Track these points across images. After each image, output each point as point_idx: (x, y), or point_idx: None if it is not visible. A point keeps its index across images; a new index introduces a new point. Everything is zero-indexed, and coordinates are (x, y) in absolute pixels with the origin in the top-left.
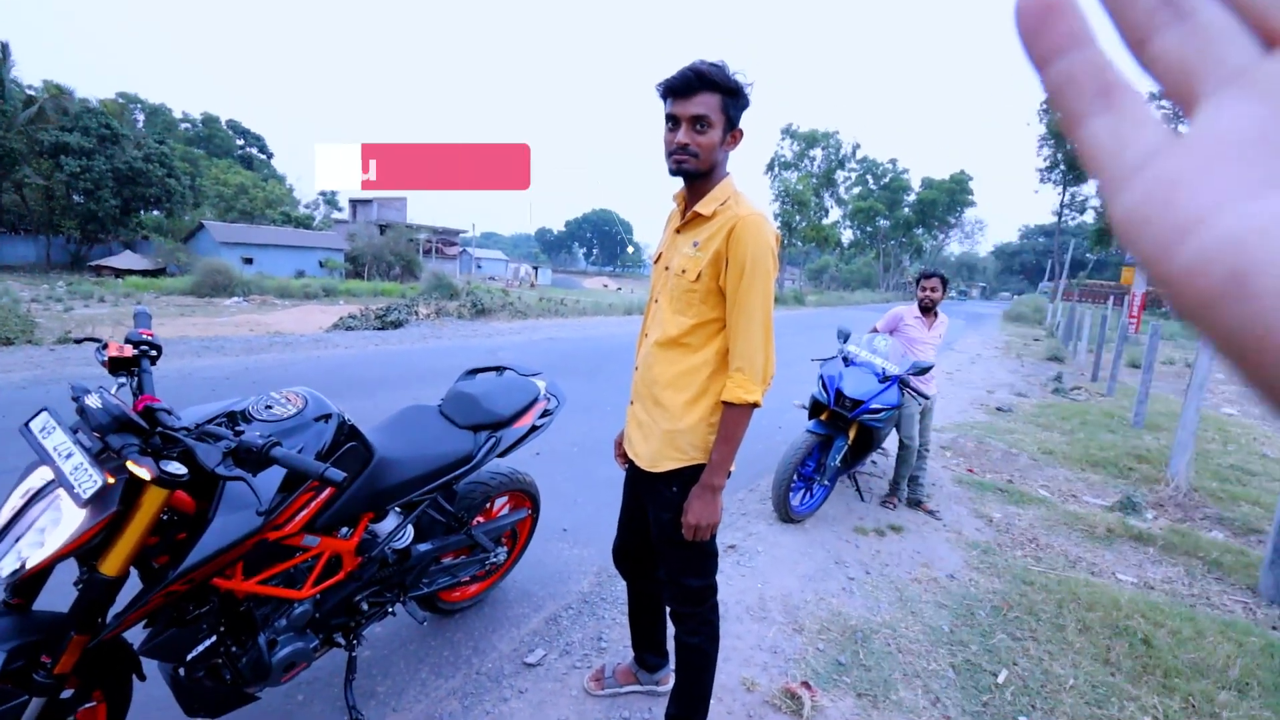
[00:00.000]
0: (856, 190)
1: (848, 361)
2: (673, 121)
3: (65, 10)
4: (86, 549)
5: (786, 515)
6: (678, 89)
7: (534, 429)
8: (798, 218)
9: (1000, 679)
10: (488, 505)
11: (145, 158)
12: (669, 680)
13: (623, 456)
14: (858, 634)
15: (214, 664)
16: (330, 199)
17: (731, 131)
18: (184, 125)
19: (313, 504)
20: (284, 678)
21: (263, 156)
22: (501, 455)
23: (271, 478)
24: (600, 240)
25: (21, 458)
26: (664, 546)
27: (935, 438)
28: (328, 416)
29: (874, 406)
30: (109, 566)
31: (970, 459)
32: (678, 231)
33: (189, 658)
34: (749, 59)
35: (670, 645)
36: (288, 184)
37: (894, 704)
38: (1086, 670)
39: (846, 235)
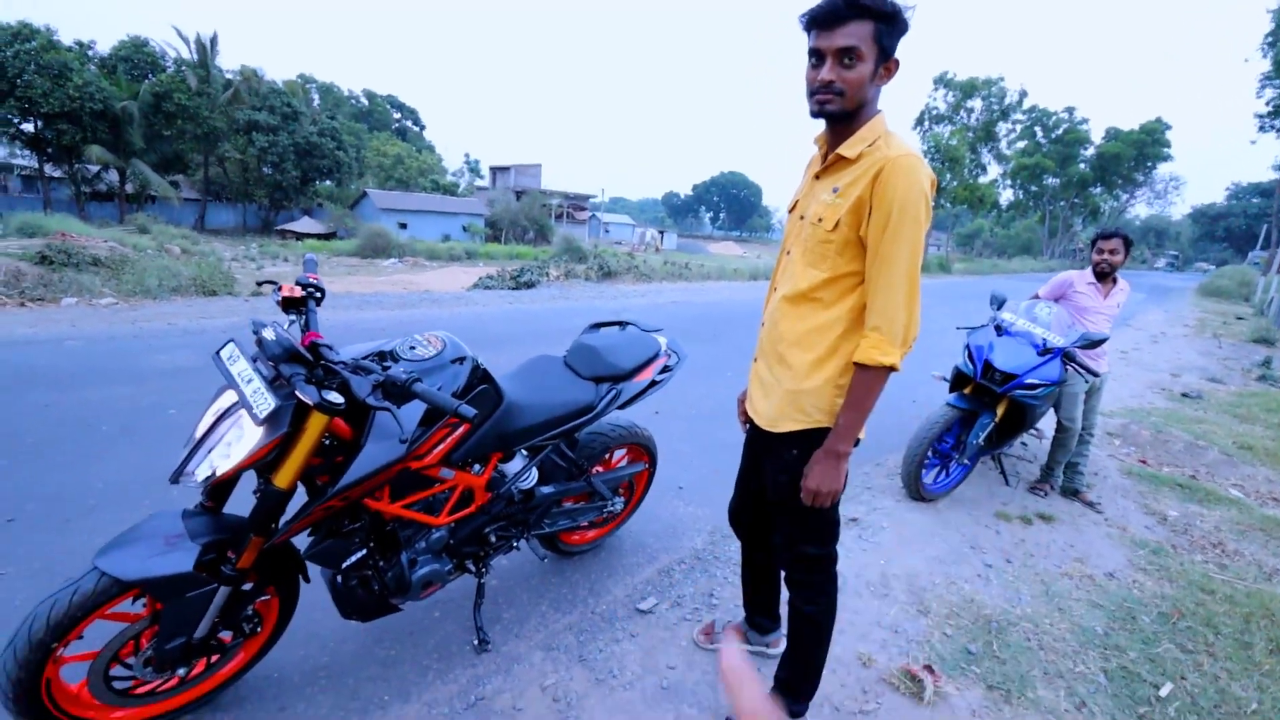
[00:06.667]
0: (1021, 144)
1: (1001, 330)
2: (816, 56)
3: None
4: (263, 463)
5: (917, 493)
6: (822, 19)
7: (653, 384)
8: (949, 176)
9: (1163, 692)
10: (607, 456)
11: (319, 133)
12: (780, 644)
13: (744, 416)
14: (992, 624)
15: (365, 574)
16: (474, 167)
17: (885, 63)
18: (350, 102)
19: (449, 439)
20: (422, 594)
21: (416, 129)
22: (621, 407)
23: (413, 412)
24: (728, 204)
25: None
26: (780, 510)
27: (1102, 422)
28: (463, 359)
29: (1030, 381)
30: (280, 479)
31: (1144, 449)
32: (817, 177)
33: (344, 566)
34: None
35: (784, 610)
36: (437, 153)
37: (1030, 702)
38: (1275, 695)
39: (1006, 195)
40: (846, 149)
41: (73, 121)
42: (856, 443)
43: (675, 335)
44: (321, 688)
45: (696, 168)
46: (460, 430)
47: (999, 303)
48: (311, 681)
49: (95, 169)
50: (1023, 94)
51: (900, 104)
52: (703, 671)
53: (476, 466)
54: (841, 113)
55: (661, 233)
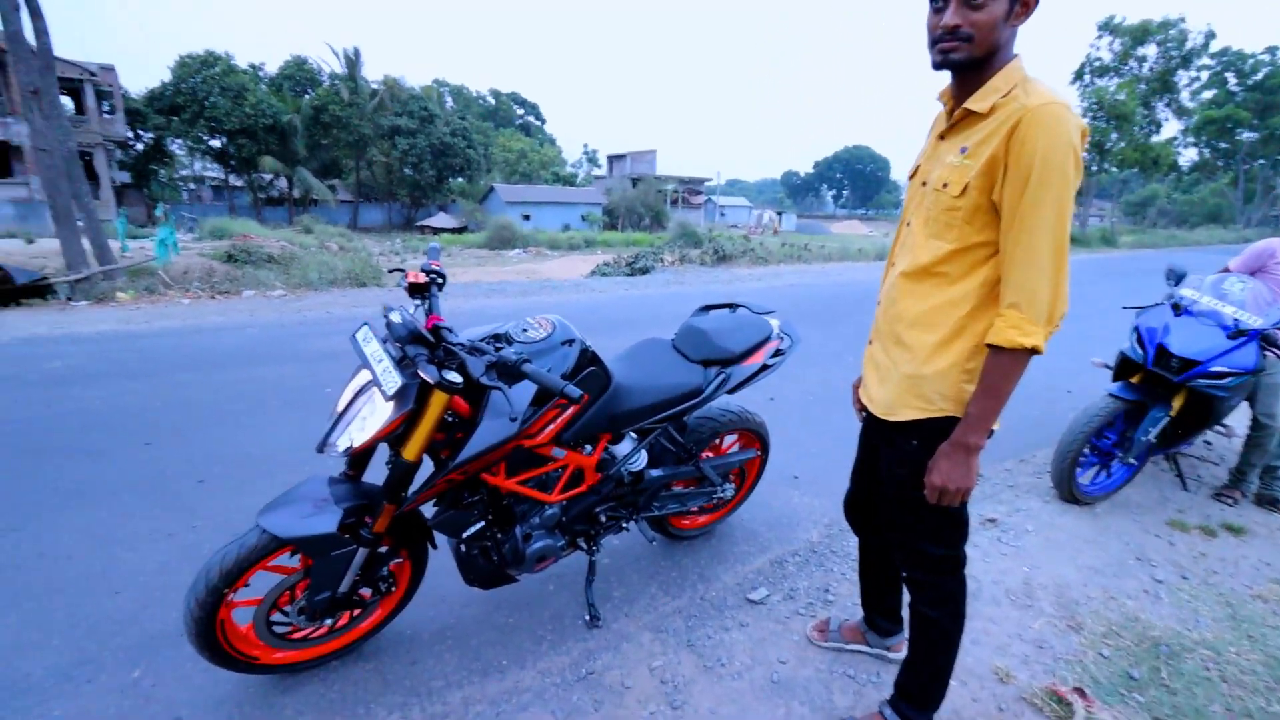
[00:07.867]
0: (1208, 94)
1: (1180, 310)
2: (938, 0)
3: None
4: (393, 436)
5: (1070, 494)
6: None
7: (765, 368)
8: (1114, 136)
9: None
10: (717, 441)
11: (452, 133)
12: (901, 649)
13: (859, 403)
14: (1162, 648)
15: (484, 545)
16: (591, 156)
17: None
18: (478, 102)
19: (559, 419)
20: (537, 567)
21: (537, 123)
22: (731, 392)
23: (524, 392)
24: (852, 180)
25: None
26: (899, 505)
27: None
28: (571, 341)
29: (1215, 369)
30: (408, 452)
31: None
32: (941, 137)
33: (464, 535)
34: None
35: (906, 613)
36: (557, 146)
37: None
38: None
39: (1187, 155)
40: (975, 102)
41: (249, 136)
42: (990, 434)
43: (791, 319)
44: (448, 646)
45: (818, 144)
46: (570, 411)
47: (1177, 277)
48: (439, 640)
49: (268, 177)
50: (1209, 36)
51: (1055, 55)
52: (815, 669)
53: (587, 447)
54: (970, 61)
55: (779, 214)
